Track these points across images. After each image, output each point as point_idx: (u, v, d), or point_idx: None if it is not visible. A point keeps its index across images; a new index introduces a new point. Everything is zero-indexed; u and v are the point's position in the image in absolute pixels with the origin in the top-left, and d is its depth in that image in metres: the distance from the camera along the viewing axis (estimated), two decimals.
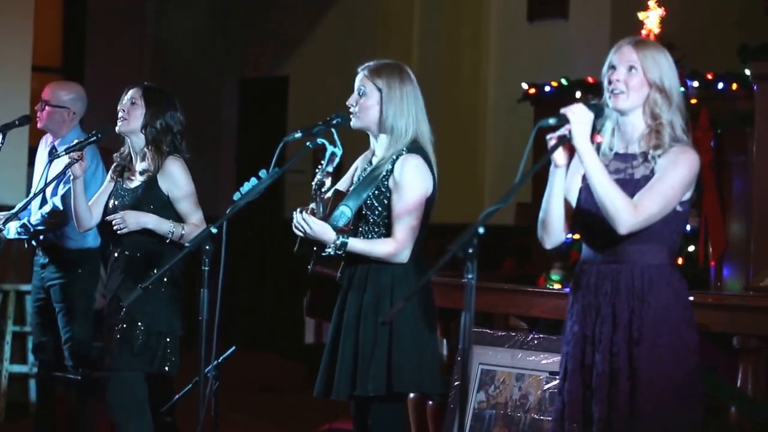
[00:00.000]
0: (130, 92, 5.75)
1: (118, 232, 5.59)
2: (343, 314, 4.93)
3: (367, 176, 4.91)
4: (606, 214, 4.11)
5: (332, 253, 4.82)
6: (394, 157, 4.89)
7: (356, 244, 4.84)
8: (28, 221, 6.69)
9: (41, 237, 6.72)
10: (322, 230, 4.77)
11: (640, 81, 4.21)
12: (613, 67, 4.26)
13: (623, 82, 4.22)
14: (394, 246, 4.86)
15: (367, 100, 4.94)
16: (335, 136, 4.71)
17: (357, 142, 5.19)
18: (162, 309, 5.61)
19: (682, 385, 4.16)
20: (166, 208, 5.65)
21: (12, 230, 6.70)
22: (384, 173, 4.88)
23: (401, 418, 5.10)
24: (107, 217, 5.70)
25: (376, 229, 4.92)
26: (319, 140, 4.82)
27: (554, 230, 4.33)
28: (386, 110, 4.91)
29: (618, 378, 4.15)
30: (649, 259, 4.19)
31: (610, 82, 4.25)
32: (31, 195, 6.59)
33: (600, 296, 4.23)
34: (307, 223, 4.76)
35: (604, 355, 4.19)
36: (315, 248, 4.92)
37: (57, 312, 6.72)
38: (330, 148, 4.70)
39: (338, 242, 4.79)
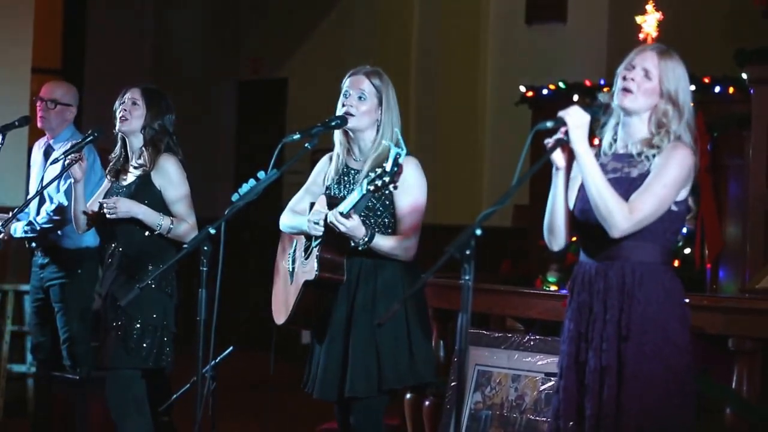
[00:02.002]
0: (130, 92, 5.76)
1: (108, 216, 5.59)
2: (352, 309, 4.97)
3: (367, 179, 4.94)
4: (599, 216, 4.14)
5: (360, 247, 4.86)
6: None
7: (379, 240, 4.91)
8: (35, 220, 6.71)
9: (47, 236, 6.75)
10: (357, 225, 4.82)
11: (652, 88, 4.23)
12: (632, 67, 4.26)
13: (636, 83, 4.23)
14: (407, 241, 4.94)
15: (367, 103, 5.02)
16: (399, 138, 4.69)
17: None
18: (156, 305, 5.64)
19: (669, 383, 4.18)
20: (159, 204, 5.67)
21: (19, 229, 6.74)
22: None
23: (382, 414, 5.13)
24: (100, 200, 5.71)
25: (375, 230, 4.96)
26: (385, 141, 4.84)
27: (560, 232, 4.36)
28: (385, 115, 5.03)
29: (607, 375, 4.18)
30: (640, 256, 4.21)
31: (624, 79, 4.26)
32: (30, 197, 6.61)
33: (593, 294, 4.26)
34: (342, 221, 4.79)
35: (595, 351, 4.22)
36: (320, 254, 4.93)
37: (56, 312, 6.74)
38: (395, 150, 4.67)
39: (367, 237, 4.85)
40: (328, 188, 5.13)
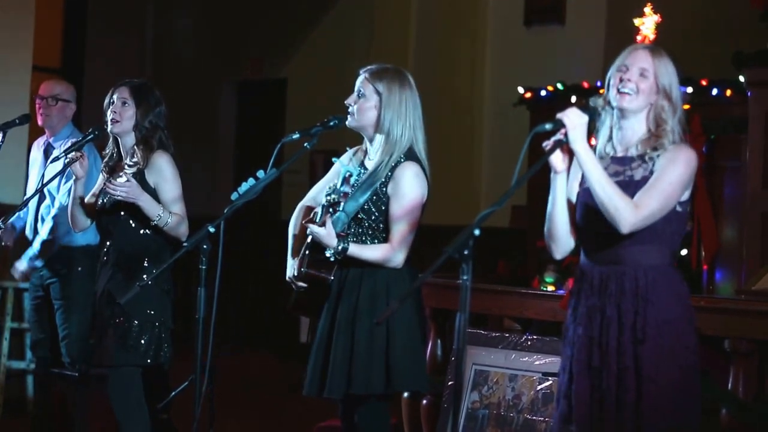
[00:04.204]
0: (118, 92, 5.74)
1: (117, 195, 5.57)
2: (335, 315, 5.00)
3: (365, 181, 4.97)
4: (606, 214, 4.13)
5: (332, 257, 4.89)
6: (393, 164, 4.96)
7: (355, 250, 4.91)
8: (41, 241, 6.77)
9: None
10: (327, 235, 4.84)
11: (650, 86, 4.24)
12: (625, 68, 4.28)
13: (634, 83, 4.24)
14: (392, 251, 4.94)
15: (366, 103, 5.01)
16: (351, 157, 4.70)
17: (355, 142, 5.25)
18: (153, 301, 5.64)
19: (682, 384, 4.20)
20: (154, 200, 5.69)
21: (25, 264, 6.80)
22: (383, 179, 4.95)
23: (388, 416, 5.17)
24: (112, 182, 5.67)
25: (370, 233, 4.98)
26: (334, 159, 4.86)
27: (561, 238, 4.36)
28: (384, 114, 4.99)
29: (625, 377, 4.18)
30: (651, 259, 4.21)
31: (620, 81, 4.26)
32: (30, 194, 6.64)
33: (605, 298, 4.24)
34: (310, 226, 4.83)
35: (611, 355, 4.21)
36: (308, 251, 4.98)
37: (56, 309, 6.76)
38: (346, 168, 4.73)
39: (339, 248, 4.86)
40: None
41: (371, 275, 4.97)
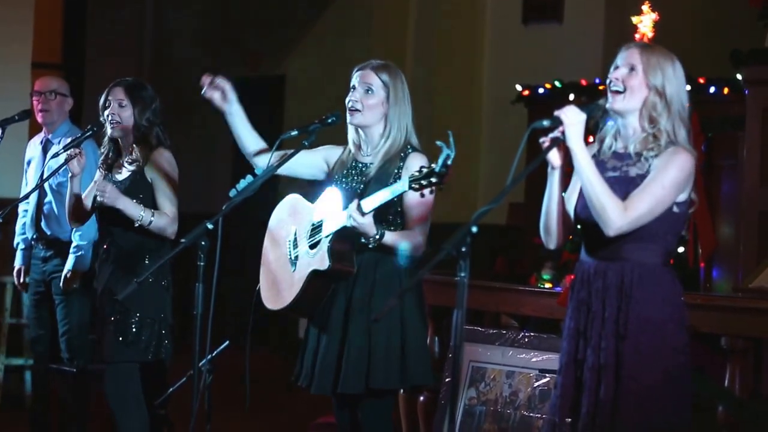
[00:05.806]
0: (113, 94, 5.77)
1: (98, 198, 5.61)
2: (351, 300, 4.96)
3: (374, 176, 4.95)
4: (595, 214, 4.15)
5: (371, 245, 4.86)
6: (402, 155, 4.96)
7: (389, 237, 4.88)
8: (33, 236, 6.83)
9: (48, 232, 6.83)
10: (370, 224, 4.81)
11: (639, 82, 4.23)
12: (616, 67, 4.29)
13: (621, 80, 4.24)
14: (420, 238, 4.93)
15: (375, 98, 5.00)
16: (451, 139, 4.67)
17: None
18: (153, 297, 5.67)
19: (666, 385, 4.19)
20: (153, 197, 5.71)
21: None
22: (395, 171, 4.93)
23: (391, 415, 5.16)
24: (98, 188, 5.70)
25: (383, 225, 4.95)
26: (438, 142, 4.73)
27: (556, 232, 4.37)
28: (392, 108, 5.00)
29: (605, 373, 4.19)
30: (641, 257, 4.22)
31: (610, 81, 4.28)
32: (30, 189, 6.66)
33: (592, 292, 4.27)
34: (356, 216, 4.76)
35: (594, 349, 4.23)
36: (330, 245, 4.92)
37: (57, 304, 6.77)
38: (446, 151, 4.63)
39: (377, 235, 4.84)
40: (332, 178, 5.13)
41: (384, 260, 4.95)
